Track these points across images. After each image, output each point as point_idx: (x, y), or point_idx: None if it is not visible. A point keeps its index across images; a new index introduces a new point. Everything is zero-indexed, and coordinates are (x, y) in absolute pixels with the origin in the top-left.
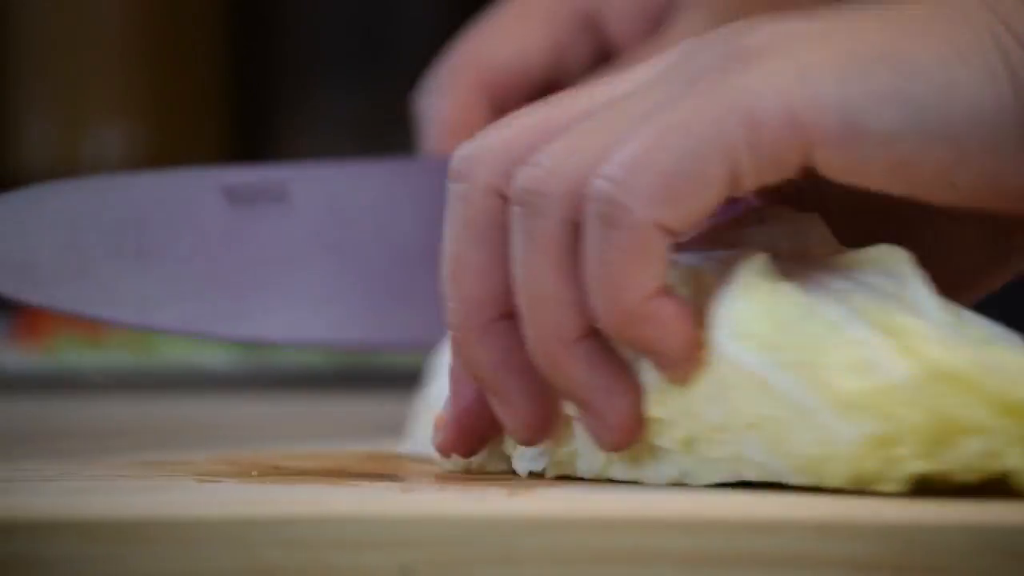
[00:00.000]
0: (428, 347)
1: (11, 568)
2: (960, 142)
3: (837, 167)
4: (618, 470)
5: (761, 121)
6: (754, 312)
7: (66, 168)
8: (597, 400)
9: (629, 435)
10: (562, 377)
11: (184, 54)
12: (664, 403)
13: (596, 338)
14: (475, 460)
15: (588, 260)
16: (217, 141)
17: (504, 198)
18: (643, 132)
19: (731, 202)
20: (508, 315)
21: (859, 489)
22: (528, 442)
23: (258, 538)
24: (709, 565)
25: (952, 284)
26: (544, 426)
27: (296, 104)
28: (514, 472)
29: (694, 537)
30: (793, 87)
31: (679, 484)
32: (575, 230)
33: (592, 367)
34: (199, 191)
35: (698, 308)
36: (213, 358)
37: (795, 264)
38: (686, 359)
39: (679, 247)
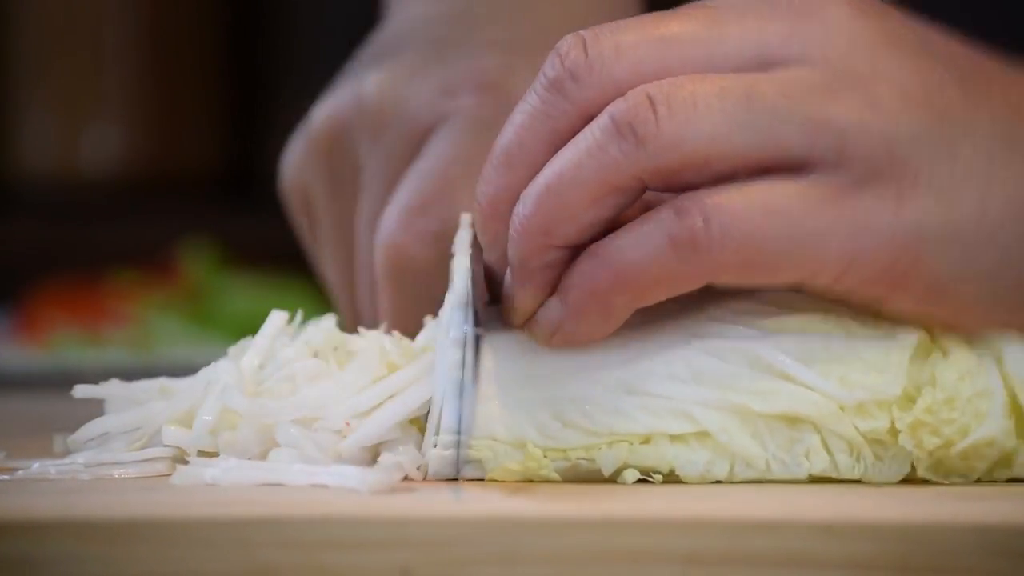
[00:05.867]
0: None
1: (6, 569)
2: (1010, 316)
3: (896, 312)
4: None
5: (861, 263)
6: None
7: (66, 168)
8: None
9: (518, 321)
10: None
11: (183, 55)
12: None
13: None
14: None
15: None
16: (216, 142)
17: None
18: (756, 187)
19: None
20: None
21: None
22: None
23: (257, 538)
24: (709, 565)
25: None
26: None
27: (295, 104)
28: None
29: (694, 537)
30: (910, 241)
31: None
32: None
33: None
34: None
35: None
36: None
37: None
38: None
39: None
